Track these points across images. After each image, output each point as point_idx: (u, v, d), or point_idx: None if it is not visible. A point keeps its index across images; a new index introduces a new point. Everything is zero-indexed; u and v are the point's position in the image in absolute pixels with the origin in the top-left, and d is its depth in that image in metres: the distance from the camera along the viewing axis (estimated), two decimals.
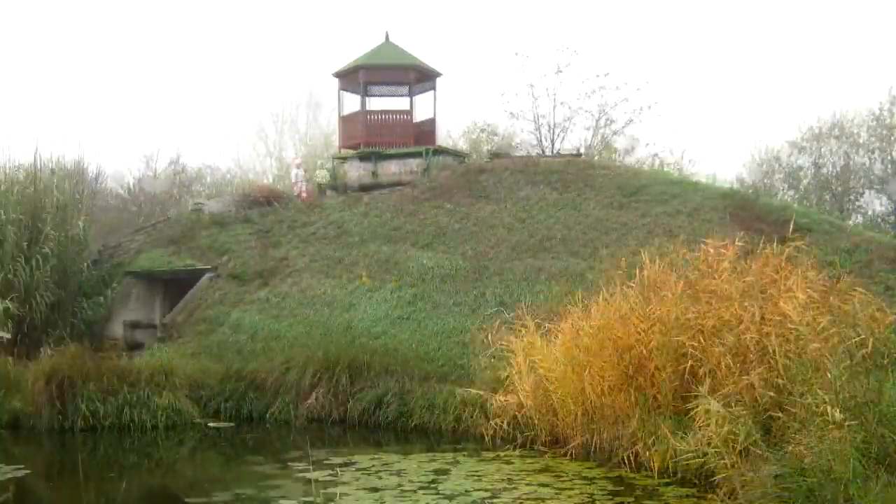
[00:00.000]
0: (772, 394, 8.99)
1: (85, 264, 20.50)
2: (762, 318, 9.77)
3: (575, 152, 26.18)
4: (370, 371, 15.15)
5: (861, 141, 35.04)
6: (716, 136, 58.19)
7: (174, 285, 21.05)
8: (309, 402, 15.08)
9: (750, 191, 24.04)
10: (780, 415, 8.76)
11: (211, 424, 15.08)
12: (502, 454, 11.70)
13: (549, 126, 32.39)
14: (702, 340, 10.11)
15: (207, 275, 20.63)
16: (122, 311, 20.41)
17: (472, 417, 13.30)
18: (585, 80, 32.49)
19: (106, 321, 19.94)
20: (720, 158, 63.94)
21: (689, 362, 10.09)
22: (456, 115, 60.56)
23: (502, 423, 12.58)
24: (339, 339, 16.47)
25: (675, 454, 9.52)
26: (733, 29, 66.36)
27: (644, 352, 10.69)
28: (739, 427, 8.82)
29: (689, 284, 10.79)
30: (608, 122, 33.14)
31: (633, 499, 9.14)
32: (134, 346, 19.25)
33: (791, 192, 35.89)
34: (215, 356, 16.90)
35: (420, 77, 26.71)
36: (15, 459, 12.41)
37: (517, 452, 11.76)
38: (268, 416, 15.37)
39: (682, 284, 10.75)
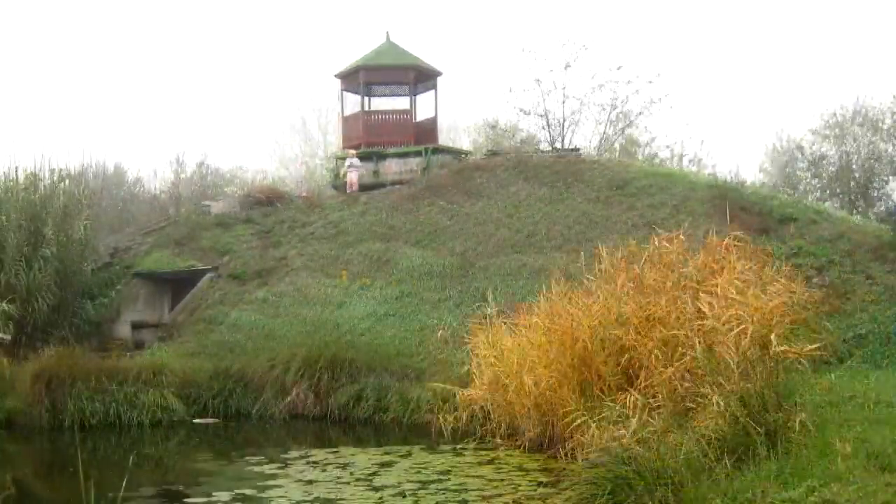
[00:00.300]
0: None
1: (87, 265, 20.47)
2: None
3: (574, 150, 26.14)
4: (370, 370, 15.15)
5: (885, 127, 34.03)
6: (729, 129, 58.38)
7: (179, 285, 21.09)
8: (308, 400, 15.08)
9: (742, 185, 23.85)
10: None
11: (197, 420, 15.23)
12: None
13: (559, 121, 32.39)
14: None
15: (208, 275, 20.67)
16: (130, 311, 20.46)
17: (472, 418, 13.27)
18: (595, 75, 32.50)
19: (113, 322, 19.96)
20: (734, 151, 64.03)
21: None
22: (467, 112, 60.78)
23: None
24: (338, 338, 16.47)
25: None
26: (743, 23, 66.43)
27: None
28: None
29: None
30: (619, 116, 33.13)
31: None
32: (140, 346, 19.27)
33: (815, 181, 35.30)
34: (213, 355, 16.90)
35: (420, 76, 26.72)
36: (11, 457, 12.42)
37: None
38: (268, 415, 15.36)
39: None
